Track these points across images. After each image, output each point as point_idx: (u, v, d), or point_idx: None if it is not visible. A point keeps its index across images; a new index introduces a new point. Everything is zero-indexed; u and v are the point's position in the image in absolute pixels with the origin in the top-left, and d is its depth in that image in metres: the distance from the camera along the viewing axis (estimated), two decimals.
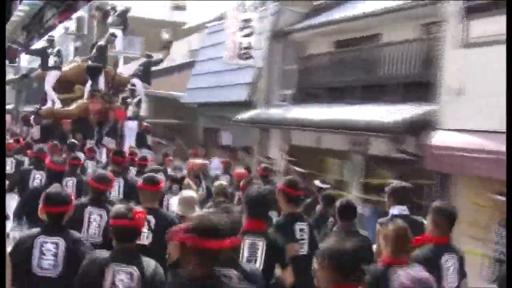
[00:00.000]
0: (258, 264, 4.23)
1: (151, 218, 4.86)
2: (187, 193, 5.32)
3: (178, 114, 21.02)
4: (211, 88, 16.73)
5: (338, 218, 5.49)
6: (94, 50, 15.96)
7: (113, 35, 16.22)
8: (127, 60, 21.27)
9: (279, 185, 5.01)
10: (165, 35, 24.95)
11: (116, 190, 7.46)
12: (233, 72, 15.55)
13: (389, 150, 9.59)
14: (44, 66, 15.74)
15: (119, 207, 3.63)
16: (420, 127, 8.62)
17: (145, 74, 16.24)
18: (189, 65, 20.83)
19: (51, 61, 15.50)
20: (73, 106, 15.57)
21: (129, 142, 14.70)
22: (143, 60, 16.82)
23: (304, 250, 4.85)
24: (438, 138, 8.13)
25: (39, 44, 17.70)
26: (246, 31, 13.25)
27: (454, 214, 4.54)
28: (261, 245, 4.27)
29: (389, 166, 9.94)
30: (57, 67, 15.54)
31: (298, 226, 4.89)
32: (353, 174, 10.88)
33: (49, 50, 15.60)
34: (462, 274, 4.44)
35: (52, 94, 15.54)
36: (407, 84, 9.91)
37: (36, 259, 3.90)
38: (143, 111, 19.80)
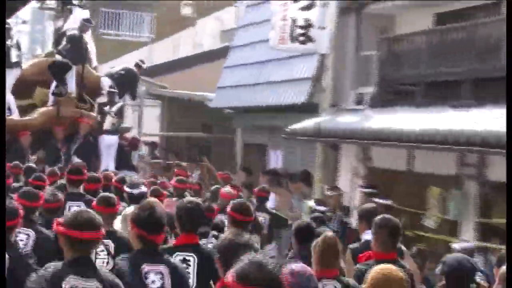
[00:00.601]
0: (191, 282, 5.63)
1: (109, 243, 6.52)
2: (131, 209, 6.58)
3: (205, 124, 21.05)
4: (253, 86, 16.75)
5: (295, 242, 7.04)
6: (65, 42, 16.81)
7: (88, 21, 17.09)
8: (133, 46, 21.61)
9: (228, 209, 6.74)
10: (186, 10, 25.22)
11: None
12: (285, 63, 15.52)
13: None
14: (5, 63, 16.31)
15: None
16: None
17: (126, 83, 17.15)
18: (220, 53, 20.92)
19: (13, 55, 16.16)
20: (34, 115, 16.39)
21: (107, 162, 15.64)
22: (127, 67, 17.79)
23: None
24: None
25: None
26: (304, 2, 13.23)
27: (396, 228, 6.06)
28: (192, 261, 5.71)
29: None
30: (19, 63, 16.39)
31: None
32: (464, 210, 10.78)
33: (8, 42, 16.21)
34: None
35: (10, 99, 16.21)
36: None
37: None
38: (154, 119, 20.07)
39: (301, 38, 13.32)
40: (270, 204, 11.79)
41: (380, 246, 5.98)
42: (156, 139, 23.58)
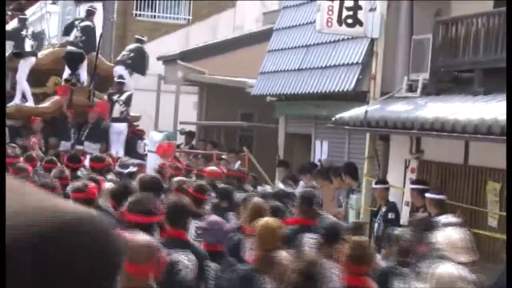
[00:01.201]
0: None
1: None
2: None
3: (245, 113, 21.11)
4: (297, 71, 16.76)
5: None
6: (79, 32, 18.42)
7: (93, 8, 18.78)
8: (169, 28, 21.68)
9: (190, 190, 8.96)
10: None
11: None
12: (332, 47, 15.51)
13: None
14: (19, 52, 18.25)
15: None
16: None
17: (138, 62, 18.81)
18: (262, 36, 20.96)
19: (27, 45, 18.14)
20: (47, 103, 18.32)
21: (116, 148, 17.39)
22: (136, 45, 19.49)
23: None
24: None
25: (9, 25, 20.41)
26: None
27: (311, 197, 8.06)
28: None
29: None
30: (34, 53, 18.37)
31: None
32: None
33: (23, 32, 18.21)
34: None
35: (25, 87, 18.19)
36: None
37: None
38: (191, 107, 20.48)
39: (349, 21, 13.31)
40: None
41: (301, 214, 8.03)
42: (193, 127, 23.73)
